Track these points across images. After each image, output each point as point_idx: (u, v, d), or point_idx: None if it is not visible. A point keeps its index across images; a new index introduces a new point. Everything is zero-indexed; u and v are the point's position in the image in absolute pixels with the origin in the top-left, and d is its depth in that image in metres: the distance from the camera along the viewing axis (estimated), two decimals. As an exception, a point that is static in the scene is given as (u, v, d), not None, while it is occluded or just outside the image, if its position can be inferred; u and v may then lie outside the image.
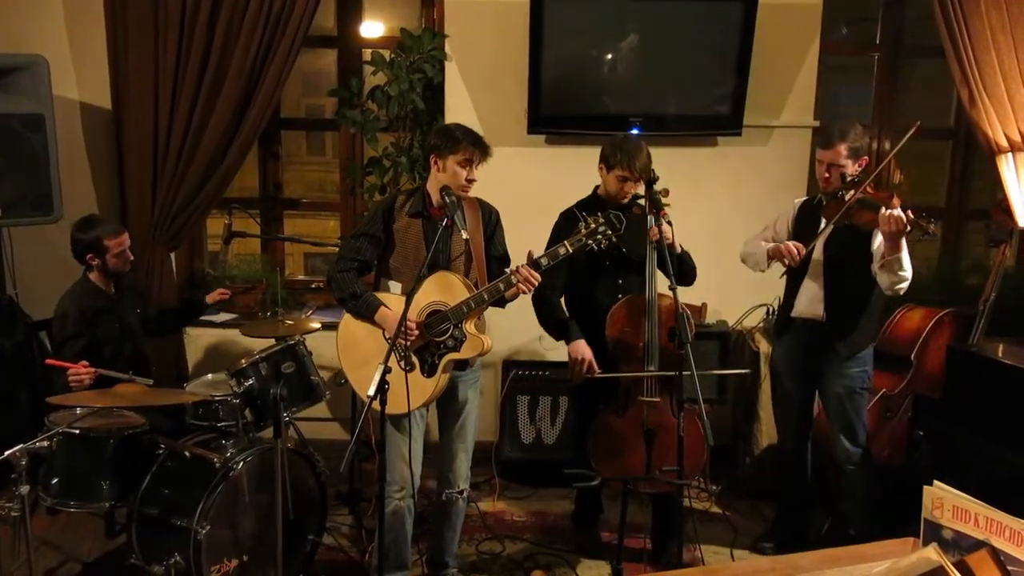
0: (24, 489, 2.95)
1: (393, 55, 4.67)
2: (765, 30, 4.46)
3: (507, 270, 3.30)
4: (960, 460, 3.66)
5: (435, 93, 4.77)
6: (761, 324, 4.61)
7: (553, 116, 4.61)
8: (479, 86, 4.73)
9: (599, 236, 3.06)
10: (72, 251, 3.73)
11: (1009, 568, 1.49)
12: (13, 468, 2.93)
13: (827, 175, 3.49)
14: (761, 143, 4.76)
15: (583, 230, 3.08)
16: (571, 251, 3.09)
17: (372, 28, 5.13)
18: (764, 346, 4.39)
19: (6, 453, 2.90)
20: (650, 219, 3.44)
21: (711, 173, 4.76)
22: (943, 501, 1.68)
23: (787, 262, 3.52)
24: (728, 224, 4.72)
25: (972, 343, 4.11)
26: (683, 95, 4.65)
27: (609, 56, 4.57)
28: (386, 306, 3.21)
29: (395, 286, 3.29)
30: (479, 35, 4.67)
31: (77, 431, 3.14)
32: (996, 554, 1.48)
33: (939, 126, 5.21)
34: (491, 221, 3.41)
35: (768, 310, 4.59)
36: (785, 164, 4.78)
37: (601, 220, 3.07)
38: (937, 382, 3.99)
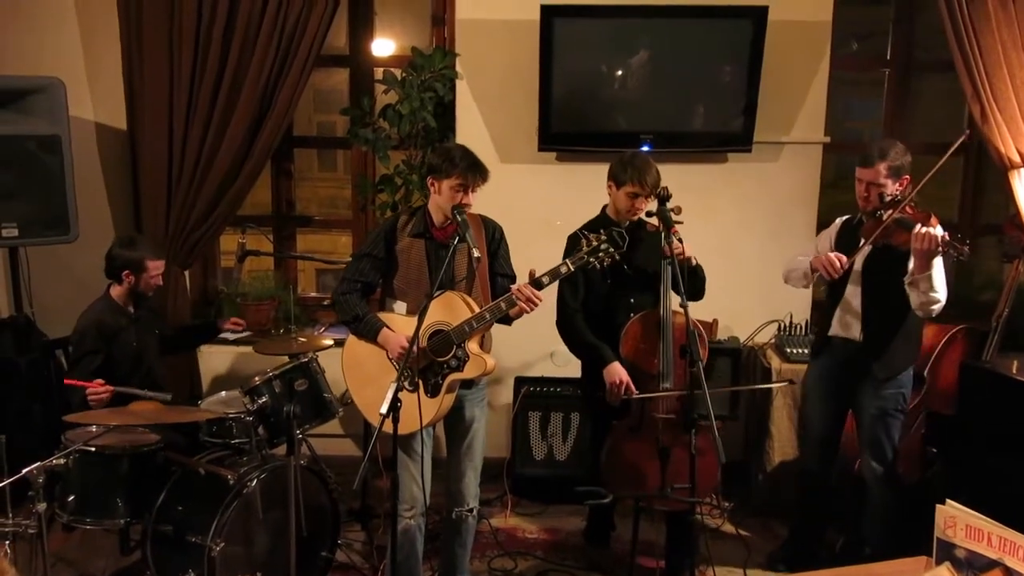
0: (41, 506, 2.97)
1: (404, 74, 4.70)
2: (775, 46, 4.47)
3: (512, 287, 3.32)
4: (974, 478, 3.64)
5: (446, 111, 4.79)
6: (772, 340, 4.60)
7: (564, 133, 4.63)
8: (490, 104, 4.76)
9: (601, 254, 3.04)
10: (107, 266, 3.78)
11: (1023, 588, 1.49)
12: (30, 485, 2.96)
13: (866, 194, 3.42)
14: (772, 159, 4.76)
15: (585, 247, 3.06)
16: (572, 269, 3.07)
17: (383, 47, 5.16)
18: (776, 362, 4.38)
19: (23, 471, 2.92)
20: (679, 235, 3.42)
21: (721, 189, 4.76)
22: (956, 520, 1.68)
23: (827, 274, 3.43)
24: (738, 240, 4.73)
25: (985, 359, 4.09)
26: (693, 112, 4.66)
27: (619, 73, 4.59)
28: (388, 327, 3.21)
29: (400, 305, 3.30)
30: (489, 53, 4.70)
31: (93, 448, 3.17)
32: (1010, 574, 1.48)
33: (950, 141, 5.20)
34: (495, 238, 3.40)
35: (780, 326, 4.59)
36: (796, 180, 4.78)
37: (603, 237, 3.05)
38: (950, 399, 3.97)
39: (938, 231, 3.18)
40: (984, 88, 4.34)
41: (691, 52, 4.57)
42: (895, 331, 3.50)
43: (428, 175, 3.24)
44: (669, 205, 3.46)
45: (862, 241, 3.42)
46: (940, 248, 3.12)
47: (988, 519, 1.64)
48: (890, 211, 3.31)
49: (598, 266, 3.07)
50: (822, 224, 4.87)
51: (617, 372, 3.51)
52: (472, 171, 3.15)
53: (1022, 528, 1.60)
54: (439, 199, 3.21)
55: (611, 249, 3.04)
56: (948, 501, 1.71)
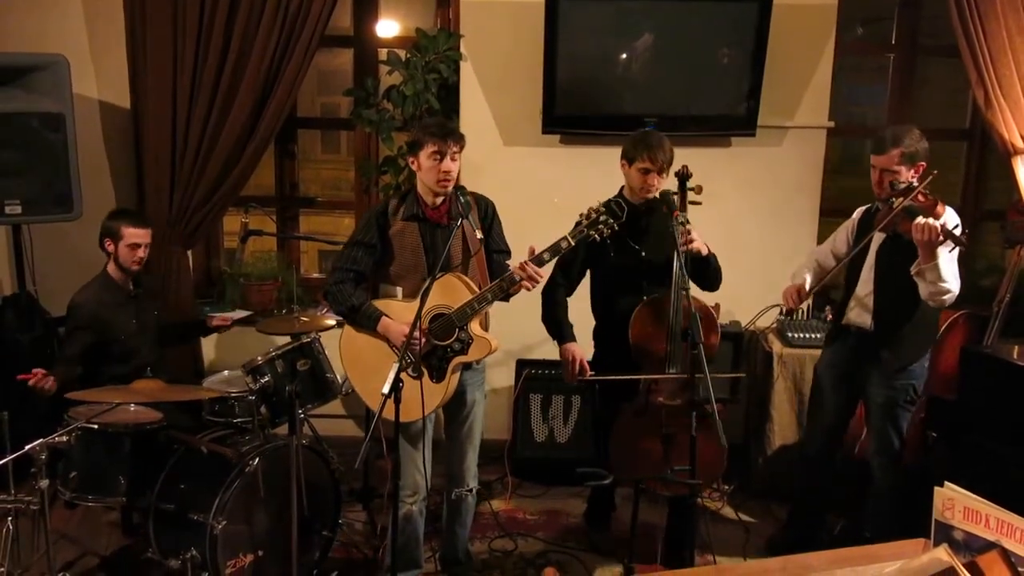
0: (43, 483, 3.00)
1: (408, 55, 4.68)
2: (780, 30, 4.45)
3: (508, 263, 3.30)
4: (974, 462, 3.65)
5: (450, 93, 4.78)
6: (774, 325, 4.61)
7: (568, 116, 4.61)
8: (494, 86, 4.74)
9: (600, 225, 3.01)
10: (98, 239, 3.80)
11: (1020, 569, 1.50)
12: (33, 462, 2.98)
13: (879, 181, 3.35)
14: (775, 144, 4.75)
15: (584, 220, 3.04)
16: (573, 243, 3.05)
17: (388, 28, 5.14)
18: (777, 346, 4.38)
19: (26, 447, 2.95)
20: (681, 217, 3.38)
21: (725, 174, 4.75)
22: (954, 502, 1.69)
23: (788, 303, 3.53)
24: (742, 225, 4.72)
25: (986, 345, 4.09)
26: (697, 95, 4.64)
27: (624, 56, 4.57)
28: (387, 316, 3.18)
29: (396, 291, 3.27)
30: (494, 35, 4.69)
31: (95, 426, 3.19)
32: (1007, 555, 1.49)
33: (954, 127, 5.19)
34: (488, 214, 3.37)
35: (781, 310, 4.59)
36: (799, 165, 4.77)
37: (601, 208, 3.02)
38: (951, 384, 3.98)
39: (948, 217, 3.13)
40: (988, 73, 4.33)
41: (696, 35, 4.55)
42: (907, 320, 3.44)
43: (408, 154, 3.22)
44: (690, 184, 3.43)
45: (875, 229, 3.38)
46: (940, 239, 3.07)
47: (986, 501, 1.65)
48: (900, 199, 3.25)
49: (598, 238, 3.05)
50: (825, 210, 4.88)
51: (570, 351, 3.52)
52: (443, 135, 3.10)
53: (1021, 511, 1.61)
54: (422, 175, 3.17)
55: (610, 220, 3.02)
56: (946, 483, 1.71)
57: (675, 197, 3.44)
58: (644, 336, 3.49)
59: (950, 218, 3.17)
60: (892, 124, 4.94)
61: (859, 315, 3.55)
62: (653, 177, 3.44)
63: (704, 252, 3.43)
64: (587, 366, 3.52)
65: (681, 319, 3.41)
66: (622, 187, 3.63)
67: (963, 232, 3.10)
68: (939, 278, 3.19)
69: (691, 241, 3.35)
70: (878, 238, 3.42)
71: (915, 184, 3.28)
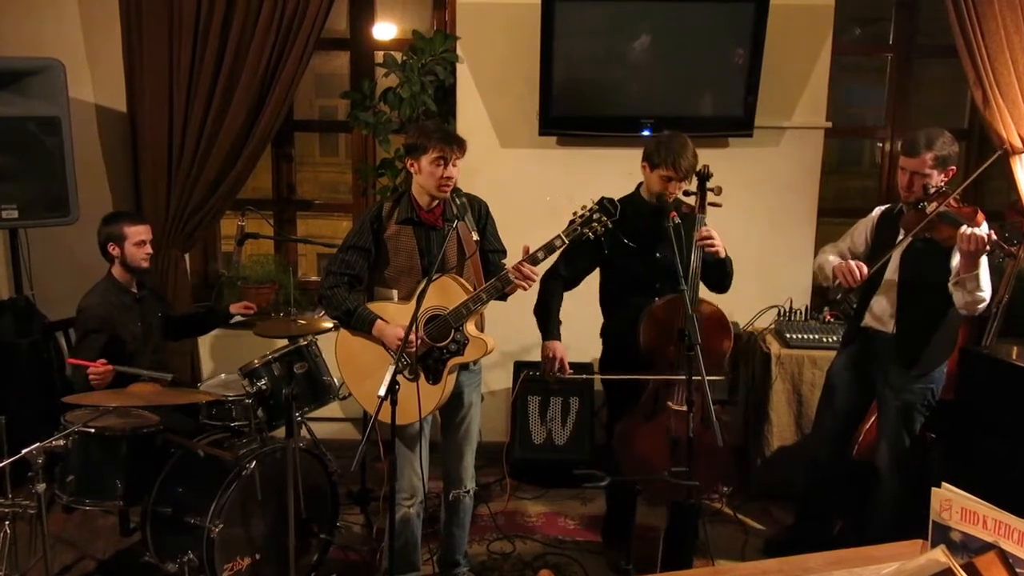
0: (40, 487, 2.99)
1: (405, 57, 4.69)
2: (777, 30, 4.45)
3: (504, 263, 3.30)
4: (973, 462, 3.65)
5: (447, 95, 4.78)
6: (772, 325, 4.60)
7: (564, 117, 4.61)
8: (490, 88, 4.75)
9: (594, 223, 3.00)
10: (98, 246, 3.76)
11: (1018, 571, 1.49)
12: (30, 466, 2.97)
13: (909, 184, 3.27)
14: (773, 144, 4.75)
15: (577, 219, 3.02)
16: (567, 241, 3.03)
17: (384, 30, 5.15)
18: (775, 347, 4.38)
19: (23, 451, 2.94)
20: (700, 218, 3.35)
21: (722, 174, 4.64)
22: (951, 503, 1.68)
23: (847, 281, 3.31)
24: (739, 225, 4.70)
25: (985, 345, 4.09)
26: (694, 96, 4.65)
27: (620, 57, 4.57)
28: (382, 319, 3.16)
29: (392, 294, 3.25)
30: (490, 37, 4.69)
31: (92, 430, 3.17)
32: (1005, 556, 1.48)
33: (953, 127, 5.19)
34: (482, 215, 3.36)
35: (779, 311, 4.59)
36: (797, 165, 4.77)
37: (595, 207, 3.01)
38: (950, 384, 3.96)
39: (983, 229, 3.07)
40: (986, 73, 4.33)
41: (692, 36, 4.55)
42: (930, 326, 3.39)
43: (406, 156, 3.20)
44: (710, 184, 3.38)
45: (902, 233, 3.31)
46: (987, 248, 3.02)
47: (983, 502, 1.64)
48: (934, 204, 3.18)
49: (591, 236, 3.03)
50: (823, 210, 4.88)
51: (550, 347, 3.49)
52: (448, 141, 3.09)
53: (1019, 512, 1.61)
54: (421, 179, 3.15)
55: (603, 218, 3.01)
56: (944, 484, 1.71)
57: (692, 197, 3.41)
58: (656, 337, 3.40)
59: (984, 228, 3.11)
60: (891, 124, 4.98)
61: (880, 318, 3.49)
62: (675, 185, 3.37)
63: (723, 255, 3.39)
64: (567, 365, 3.48)
65: (694, 323, 3.36)
66: (640, 184, 3.55)
67: (1012, 241, 3.03)
68: (978, 287, 3.12)
69: (712, 244, 3.30)
70: (904, 242, 3.33)
71: (945, 188, 3.23)
